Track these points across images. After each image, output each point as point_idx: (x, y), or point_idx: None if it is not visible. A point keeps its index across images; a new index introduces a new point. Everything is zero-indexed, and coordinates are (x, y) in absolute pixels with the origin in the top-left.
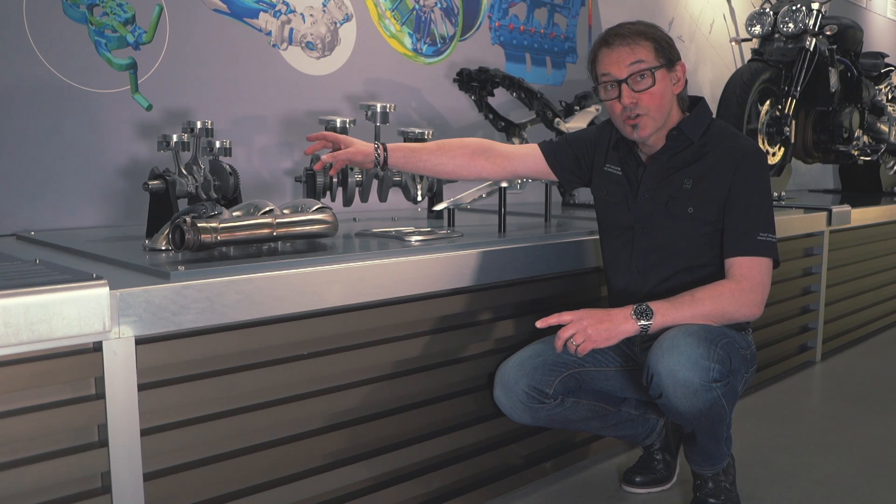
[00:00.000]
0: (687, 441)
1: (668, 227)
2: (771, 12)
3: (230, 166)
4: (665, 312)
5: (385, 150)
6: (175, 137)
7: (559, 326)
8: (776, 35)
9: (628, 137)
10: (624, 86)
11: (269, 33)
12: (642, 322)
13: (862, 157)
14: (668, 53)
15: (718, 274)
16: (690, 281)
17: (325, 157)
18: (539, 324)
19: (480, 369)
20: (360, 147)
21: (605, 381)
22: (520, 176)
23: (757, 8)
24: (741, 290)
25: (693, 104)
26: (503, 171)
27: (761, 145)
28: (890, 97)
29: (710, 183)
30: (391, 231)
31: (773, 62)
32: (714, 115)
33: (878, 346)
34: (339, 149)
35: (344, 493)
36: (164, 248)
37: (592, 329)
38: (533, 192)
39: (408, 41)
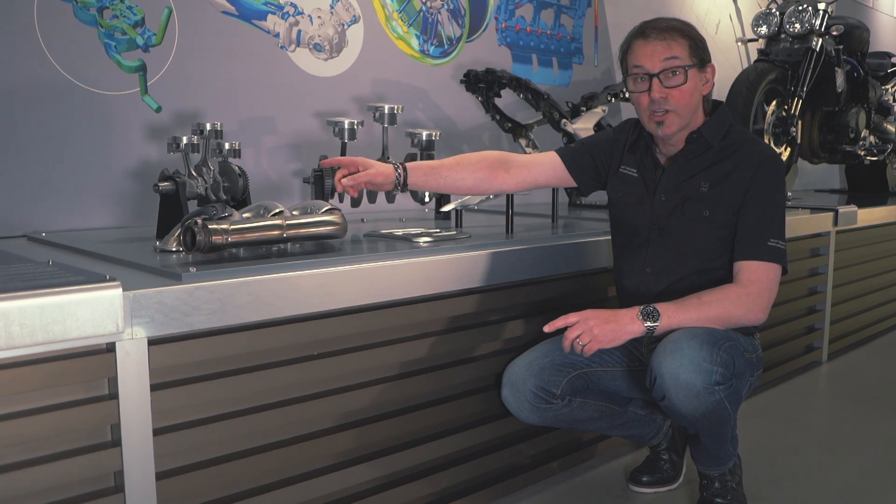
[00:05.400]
0: (692, 442)
1: (684, 230)
2: (777, 13)
3: (239, 168)
4: (671, 314)
5: (405, 170)
6: (184, 139)
7: (567, 328)
8: (782, 35)
9: (652, 133)
10: (655, 80)
11: (277, 35)
12: (648, 323)
13: (868, 157)
14: (701, 53)
15: (731, 277)
16: (703, 283)
17: (345, 180)
18: (546, 328)
19: (488, 369)
20: (381, 168)
21: (612, 381)
22: (540, 185)
23: (763, 8)
24: (748, 294)
25: (714, 108)
26: (524, 181)
27: None
28: None
29: (727, 187)
30: (399, 232)
31: (780, 62)
32: None
33: (884, 347)
34: (358, 172)
35: (353, 492)
36: (174, 249)
37: (598, 329)
38: (540, 193)
39: (415, 42)
